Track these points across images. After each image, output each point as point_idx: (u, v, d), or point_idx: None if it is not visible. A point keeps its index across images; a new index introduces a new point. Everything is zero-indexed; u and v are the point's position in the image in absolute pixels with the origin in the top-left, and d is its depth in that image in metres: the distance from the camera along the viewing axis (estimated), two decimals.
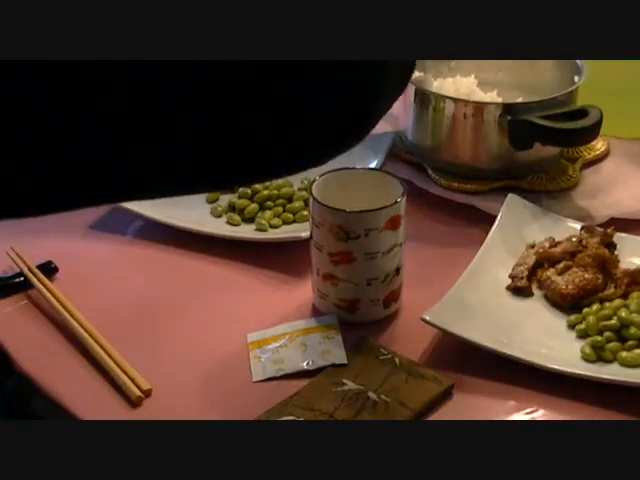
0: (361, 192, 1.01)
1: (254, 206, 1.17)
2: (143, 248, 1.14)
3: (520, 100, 1.23)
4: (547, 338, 0.98)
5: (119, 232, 1.16)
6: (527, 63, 1.28)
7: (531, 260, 1.06)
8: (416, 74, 1.24)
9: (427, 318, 0.96)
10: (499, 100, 1.22)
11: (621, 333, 0.96)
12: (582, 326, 0.98)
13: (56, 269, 1.09)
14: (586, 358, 0.95)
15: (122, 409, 0.92)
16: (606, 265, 1.03)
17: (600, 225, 1.12)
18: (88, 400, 0.91)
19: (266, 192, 1.18)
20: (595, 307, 0.99)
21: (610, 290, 1.01)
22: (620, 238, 1.08)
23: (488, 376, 0.94)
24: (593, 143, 1.24)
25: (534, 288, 1.04)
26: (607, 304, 1.00)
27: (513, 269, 1.06)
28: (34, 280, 1.06)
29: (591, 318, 0.98)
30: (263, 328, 1.01)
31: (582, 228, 1.10)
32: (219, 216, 1.17)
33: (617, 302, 0.99)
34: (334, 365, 0.95)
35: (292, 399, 0.91)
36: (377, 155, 1.20)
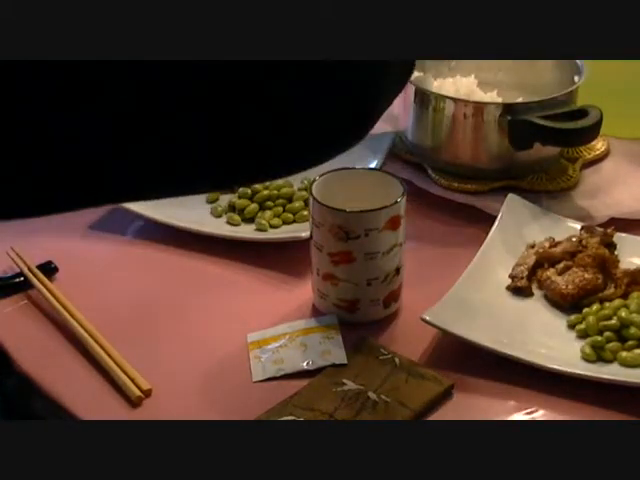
0: (361, 192, 1.01)
1: (254, 206, 1.17)
2: (143, 248, 1.14)
3: (520, 100, 1.23)
4: (547, 338, 0.98)
5: (119, 232, 1.16)
6: (527, 63, 1.28)
7: (531, 260, 1.06)
8: (416, 74, 1.24)
9: (427, 318, 0.96)
10: (499, 100, 1.22)
11: (621, 333, 0.96)
12: (582, 326, 0.98)
13: (56, 269, 1.09)
14: (586, 358, 0.95)
15: (122, 409, 0.92)
16: (606, 265, 1.03)
17: (600, 225, 1.12)
18: (88, 400, 0.91)
19: (266, 192, 1.18)
20: (595, 307, 0.99)
21: (610, 290, 1.01)
22: (620, 238, 1.08)
23: (488, 376, 0.94)
24: (593, 143, 1.24)
25: (534, 288, 1.04)
26: (607, 304, 1.00)
27: (513, 269, 1.06)
28: (34, 280, 1.06)
29: (591, 318, 0.98)
30: (263, 328, 1.01)
31: (582, 228, 1.10)
32: (219, 216, 1.17)
33: (617, 302, 0.99)
34: (334, 365, 0.95)
35: (292, 399, 0.91)
36: (377, 155, 1.20)
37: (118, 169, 0.45)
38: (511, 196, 1.14)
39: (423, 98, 1.21)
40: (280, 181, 1.19)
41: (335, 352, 0.97)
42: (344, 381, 0.93)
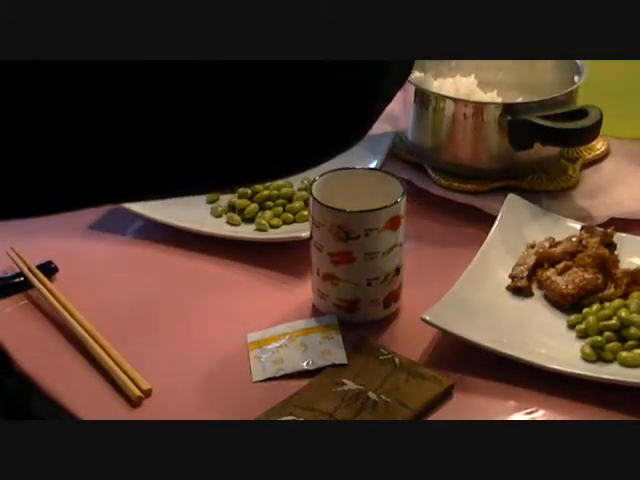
0: (361, 192, 1.01)
1: (254, 206, 1.17)
2: (143, 248, 1.14)
3: (520, 100, 1.23)
4: (547, 338, 0.98)
5: (119, 232, 1.16)
6: (527, 63, 1.28)
7: (531, 260, 1.06)
8: (416, 74, 1.24)
9: (427, 318, 0.96)
10: (499, 100, 1.22)
11: (621, 333, 0.96)
12: (582, 326, 0.98)
13: (56, 269, 1.09)
14: (586, 358, 0.95)
15: (122, 409, 0.92)
16: (606, 265, 1.03)
17: (600, 225, 1.12)
18: (88, 400, 0.91)
19: (266, 192, 1.18)
20: (595, 307, 0.99)
21: (610, 290, 1.01)
22: (620, 238, 1.08)
23: (488, 376, 0.94)
24: (593, 143, 1.24)
25: (534, 288, 1.04)
26: (607, 304, 1.00)
27: (513, 269, 1.06)
28: (34, 280, 1.06)
29: (591, 318, 0.98)
30: (263, 328, 1.01)
31: (582, 228, 1.10)
32: (219, 216, 1.17)
33: (617, 302, 0.99)
34: (334, 365, 0.95)
35: (292, 399, 0.91)
36: (377, 155, 1.20)
37: (118, 169, 0.45)
38: (511, 196, 1.14)
39: (423, 98, 1.21)
40: (280, 181, 1.19)
41: (335, 352, 0.97)
42: (344, 381, 0.93)
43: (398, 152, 1.25)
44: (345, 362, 0.95)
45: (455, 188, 1.19)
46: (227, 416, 0.90)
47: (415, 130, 1.24)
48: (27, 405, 0.58)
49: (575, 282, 1.01)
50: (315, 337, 0.99)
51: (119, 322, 1.02)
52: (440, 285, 1.01)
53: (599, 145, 1.27)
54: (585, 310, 1.00)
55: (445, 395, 0.92)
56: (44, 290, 1.05)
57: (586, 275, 1.02)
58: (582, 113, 1.14)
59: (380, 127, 1.25)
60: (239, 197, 1.18)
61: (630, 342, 0.95)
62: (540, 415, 0.91)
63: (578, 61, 1.23)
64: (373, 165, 1.18)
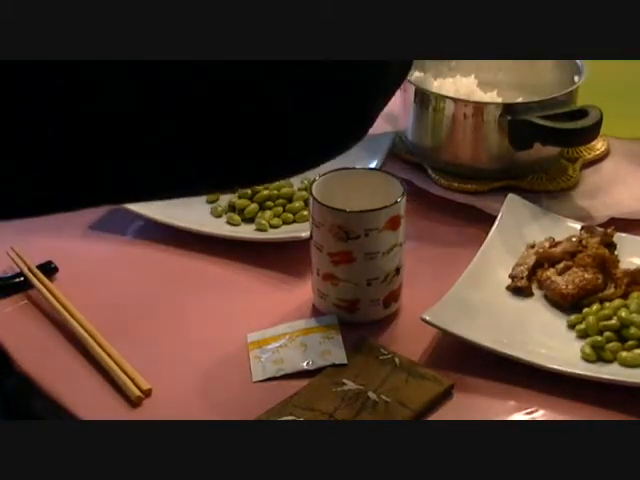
0: (361, 192, 1.01)
1: (254, 206, 1.17)
2: (143, 248, 1.14)
3: (520, 100, 1.23)
4: (547, 338, 0.98)
5: (119, 232, 1.16)
6: (527, 63, 1.28)
7: (531, 260, 1.06)
8: (416, 74, 1.24)
9: (427, 318, 0.96)
10: (499, 100, 1.22)
11: (621, 333, 0.96)
12: (582, 326, 0.98)
13: (56, 269, 1.09)
14: (586, 358, 0.95)
15: (122, 409, 0.92)
16: (606, 265, 1.03)
17: (600, 225, 1.12)
18: (88, 400, 0.91)
19: (266, 192, 1.18)
20: (595, 307, 0.99)
21: (610, 290, 1.01)
22: (620, 238, 1.08)
23: (488, 376, 0.94)
24: (593, 143, 1.23)
25: (534, 288, 1.04)
26: (607, 304, 1.00)
27: (513, 269, 1.06)
28: (34, 280, 1.06)
29: (591, 318, 0.98)
30: (263, 328, 1.01)
31: (582, 228, 1.10)
32: (219, 216, 1.17)
33: (617, 302, 0.99)
34: (334, 365, 0.95)
35: (292, 399, 0.91)
36: (377, 155, 1.20)
37: (118, 169, 0.45)
38: (511, 196, 1.14)
39: (423, 98, 1.21)
40: (280, 181, 1.19)
41: (335, 352, 0.97)
42: (344, 381, 0.93)
43: (398, 152, 1.25)
44: (345, 362, 0.95)
45: (455, 188, 1.19)
46: (227, 416, 0.90)
47: (415, 130, 1.24)
48: (27, 405, 0.58)
49: (575, 282, 1.01)
50: (315, 337, 0.99)
51: (119, 322, 1.02)
52: (440, 285, 1.01)
53: (599, 145, 1.27)
54: (585, 310, 1.00)
55: (445, 395, 0.92)
56: (44, 290, 1.05)
57: (586, 275, 1.02)
58: (582, 113, 1.14)
59: (380, 127, 1.25)
60: (239, 197, 1.18)
61: (630, 342, 0.95)
62: (540, 415, 0.91)
63: (578, 61, 1.23)
64: (373, 165, 1.18)
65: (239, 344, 0.99)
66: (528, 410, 0.91)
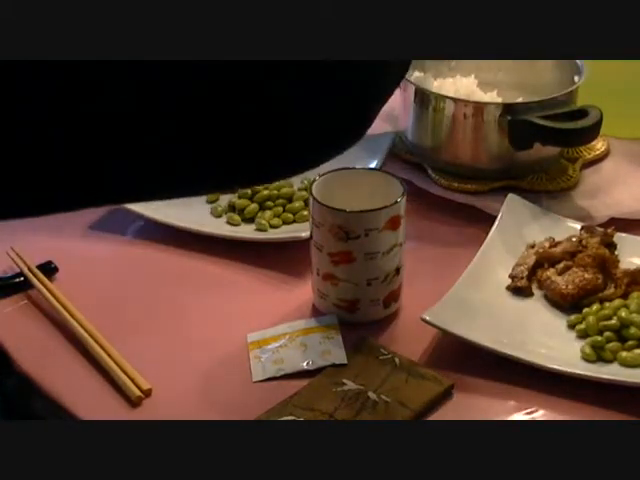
0: (361, 192, 1.01)
1: (254, 206, 1.17)
2: (143, 248, 1.14)
3: (520, 100, 1.23)
4: (547, 338, 0.98)
5: (119, 232, 1.16)
6: (527, 63, 1.28)
7: (531, 260, 1.06)
8: (416, 74, 1.24)
9: (427, 318, 0.96)
10: (499, 100, 1.22)
11: (621, 333, 0.96)
12: (582, 326, 0.98)
13: (56, 269, 1.09)
14: (586, 358, 0.95)
15: (122, 409, 0.92)
16: (606, 265, 1.03)
17: (600, 225, 1.12)
18: (88, 400, 0.91)
19: (266, 192, 1.18)
20: (595, 307, 0.99)
21: (610, 290, 1.01)
22: (620, 238, 1.08)
23: (488, 376, 0.94)
24: (593, 143, 1.23)
25: (534, 288, 1.04)
26: (607, 304, 1.00)
27: (513, 269, 1.06)
28: (34, 280, 1.06)
29: (591, 318, 0.98)
30: (263, 328, 1.01)
31: (582, 228, 1.10)
32: (219, 216, 1.17)
33: (617, 302, 0.99)
34: (334, 365, 0.95)
35: (292, 399, 0.91)
36: (377, 155, 1.20)
37: (118, 169, 0.45)
38: (511, 196, 1.14)
39: (423, 98, 1.21)
40: (280, 181, 1.19)
41: (335, 352, 0.97)
42: (344, 381, 0.93)
43: (398, 152, 1.25)
44: (345, 362, 0.95)
45: (455, 188, 1.19)
46: (227, 416, 0.90)
47: (415, 130, 1.24)
48: (27, 405, 0.58)
49: (575, 282, 1.01)
50: (315, 337, 0.99)
51: (119, 322, 1.02)
52: (440, 285, 1.01)
53: (599, 145, 1.27)
54: (585, 310, 1.00)
55: (445, 395, 0.92)
56: (44, 290, 1.04)
57: (586, 275, 1.02)
58: (582, 113, 1.14)
59: (380, 127, 1.25)
60: (239, 197, 1.18)
61: (630, 342, 0.95)
62: (540, 415, 0.91)
63: (578, 61, 1.23)
64: (373, 165, 1.18)
65: (239, 344, 0.99)
66: (528, 410, 0.91)
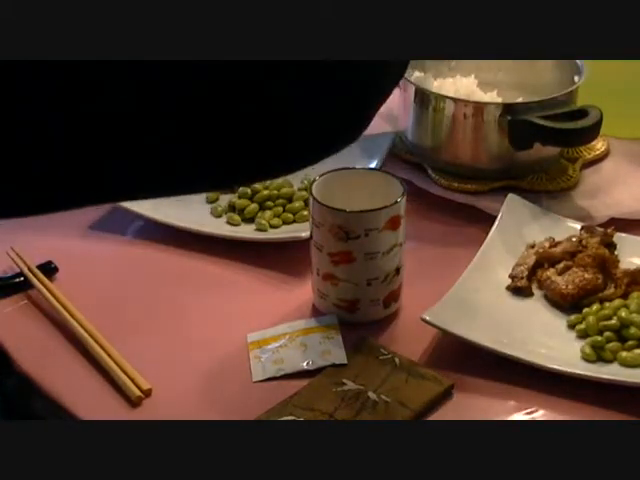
0: (361, 192, 1.01)
1: (254, 206, 1.17)
2: (143, 248, 1.14)
3: (520, 100, 1.23)
4: (547, 338, 0.98)
5: (119, 232, 1.16)
6: (527, 63, 1.28)
7: (531, 260, 1.06)
8: (416, 74, 1.24)
9: (427, 318, 0.96)
10: (499, 100, 1.22)
11: (621, 333, 0.96)
12: (582, 326, 0.98)
13: (56, 269, 1.09)
14: (586, 358, 0.95)
15: (122, 409, 0.92)
16: (606, 265, 1.03)
17: (600, 225, 1.12)
18: (88, 400, 0.91)
19: (266, 192, 1.18)
20: (595, 307, 0.99)
21: (610, 290, 1.01)
22: (620, 238, 1.08)
23: (488, 376, 0.94)
24: (593, 143, 1.23)
25: (534, 288, 1.04)
26: (607, 304, 1.00)
27: (513, 269, 1.06)
28: (34, 280, 1.06)
29: (591, 318, 0.98)
30: (263, 328, 1.01)
31: (582, 228, 1.10)
32: (219, 216, 1.17)
33: (617, 302, 0.99)
34: (334, 365, 0.95)
35: (292, 399, 0.91)
36: (377, 155, 1.20)
37: (118, 169, 0.45)
38: (511, 196, 1.14)
39: (423, 98, 1.21)
40: (280, 181, 1.19)
41: (335, 352, 0.97)
42: (344, 381, 0.93)
43: (398, 152, 1.25)
44: (345, 362, 0.95)
45: (455, 188, 1.19)
46: (227, 416, 0.90)
47: (415, 130, 1.24)
48: (27, 405, 0.58)
49: (575, 282, 1.01)
50: (315, 337, 0.99)
51: (119, 322, 1.02)
52: (440, 285, 1.01)
53: (599, 145, 1.27)
54: (585, 310, 1.00)
55: (445, 395, 0.92)
56: (44, 290, 1.04)
57: (586, 275, 1.02)
58: (582, 113, 1.14)
59: (380, 127, 1.25)
60: (239, 197, 1.18)
61: (630, 342, 0.95)
62: (540, 415, 0.91)
63: (578, 61, 1.23)
64: (373, 165, 1.18)
65: (239, 344, 0.99)
66: (528, 410, 0.91)
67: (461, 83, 1.24)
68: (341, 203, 0.97)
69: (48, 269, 1.08)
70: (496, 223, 1.10)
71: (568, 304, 1.01)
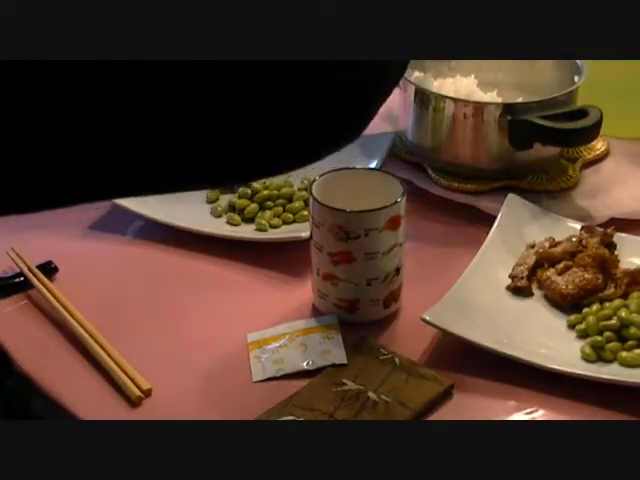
0: (361, 192, 1.01)
1: (254, 206, 1.17)
2: (143, 248, 1.14)
3: (520, 100, 1.23)
4: (547, 338, 0.98)
5: (119, 232, 1.16)
6: (527, 63, 1.28)
7: (531, 260, 1.06)
8: (416, 74, 1.24)
9: (427, 318, 0.96)
10: (499, 100, 1.22)
11: (621, 333, 0.96)
12: (582, 326, 0.98)
13: (56, 269, 1.09)
14: (586, 358, 0.95)
15: (122, 409, 0.92)
16: (606, 265, 1.03)
17: (600, 225, 1.12)
18: (88, 400, 0.91)
19: (266, 192, 1.18)
20: (595, 307, 0.99)
21: (610, 290, 1.01)
22: (620, 238, 1.08)
23: (488, 376, 0.94)
24: (593, 143, 1.23)
25: (534, 288, 1.04)
26: (607, 304, 1.00)
27: (513, 269, 1.06)
28: (34, 280, 1.06)
29: (591, 318, 0.98)
30: (263, 328, 1.01)
31: (582, 228, 1.10)
32: (219, 216, 1.17)
33: (617, 302, 0.99)
34: (334, 365, 0.95)
35: (292, 399, 0.91)
36: (377, 155, 1.20)
37: (118, 169, 0.45)
38: (511, 196, 1.14)
39: (423, 98, 1.21)
40: (280, 181, 1.19)
41: (335, 352, 0.97)
42: (344, 381, 0.93)
43: (398, 152, 1.25)
44: (345, 362, 0.95)
45: (455, 188, 1.19)
46: (227, 416, 0.90)
47: (415, 130, 1.24)
48: (27, 405, 0.58)
49: (575, 282, 1.01)
50: (315, 337, 0.99)
51: (119, 322, 1.02)
52: (440, 285, 1.01)
53: (599, 145, 1.27)
54: (585, 310, 1.00)
55: (445, 395, 0.92)
56: (44, 290, 1.04)
57: (586, 275, 1.02)
58: (582, 113, 1.14)
59: (380, 127, 1.25)
60: (239, 197, 1.18)
61: (630, 342, 0.95)
62: (540, 415, 0.91)
63: (578, 61, 1.23)
64: (373, 165, 1.18)
65: (239, 344, 0.99)
66: (528, 410, 0.91)
67: (461, 83, 1.24)
68: (341, 203, 0.97)
69: (48, 269, 1.08)
70: (496, 223, 1.10)
71: (568, 304, 1.01)
